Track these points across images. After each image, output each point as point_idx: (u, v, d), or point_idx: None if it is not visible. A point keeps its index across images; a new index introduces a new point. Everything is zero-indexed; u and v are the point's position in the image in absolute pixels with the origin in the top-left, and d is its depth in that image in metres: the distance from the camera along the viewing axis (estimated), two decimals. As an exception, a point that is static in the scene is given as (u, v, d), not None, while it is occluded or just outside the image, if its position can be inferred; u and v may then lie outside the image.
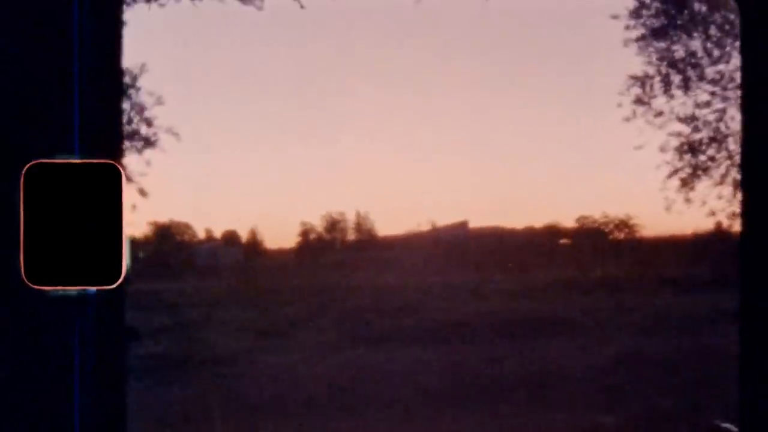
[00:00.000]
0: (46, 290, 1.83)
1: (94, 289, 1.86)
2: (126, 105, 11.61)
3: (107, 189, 1.84)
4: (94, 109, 1.95)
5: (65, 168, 1.81)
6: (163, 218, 14.16)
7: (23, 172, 1.79)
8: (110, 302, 2.08)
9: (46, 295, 1.95)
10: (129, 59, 11.21)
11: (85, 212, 1.84)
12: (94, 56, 1.98)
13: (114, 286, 1.84)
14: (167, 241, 14.01)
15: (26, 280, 1.82)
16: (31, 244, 1.86)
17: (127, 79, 11.43)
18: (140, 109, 11.53)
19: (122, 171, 1.83)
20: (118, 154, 2.09)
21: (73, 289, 1.84)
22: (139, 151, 11.54)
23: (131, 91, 11.49)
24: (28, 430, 1.99)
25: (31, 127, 1.93)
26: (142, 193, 11.29)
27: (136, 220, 11.76)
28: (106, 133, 2.02)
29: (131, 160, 11.32)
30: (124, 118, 11.67)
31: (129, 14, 11.05)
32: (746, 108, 2.20)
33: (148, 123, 11.58)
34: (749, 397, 2.34)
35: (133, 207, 11.33)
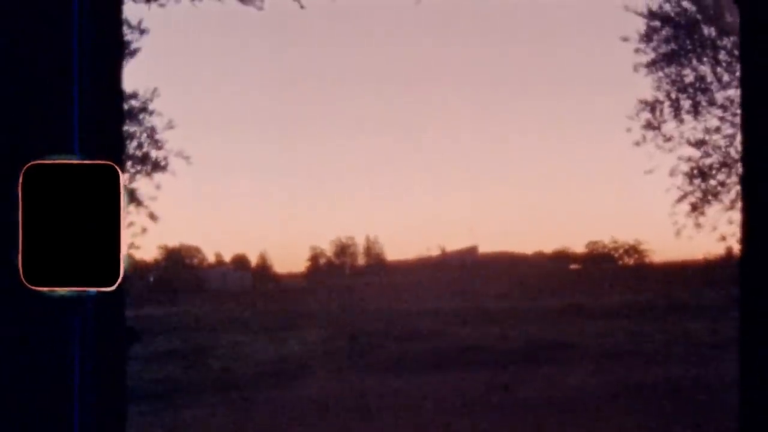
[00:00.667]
0: (44, 291, 1.80)
1: (93, 290, 1.83)
2: (137, 128, 11.62)
3: (106, 189, 1.82)
4: (94, 109, 1.94)
5: (64, 168, 1.79)
6: (173, 242, 14.17)
7: (22, 172, 1.78)
8: (110, 303, 2.05)
9: (46, 296, 1.93)
10: (140, 83, 11.28)
11: (84, 213, 1.82)
12: (94, 57, 1.96)
13: (113, 287, 1.82)
14: (177, 264, 14.00)
15: (25, 281, 1.80)
16: (30, 245, 1.84)
17: (137, 103, 11.46)
18: (151, 132, 11.53)
19: (121, 171, 1.81)
20: (117, 154, 2.08)
21: (71, 290, 1.82)
22: (149, 174, 11.53)
23: (143, 115, 11.51)
24: (28, 429, 1.96)
25: (31, 127, 1.91)
26: (152, 217, 11.25)
27: (146, 244, 11.77)
28: (106, 134, 2.01)
29: (142, 184, 11.33)
30: (135, 143, 11.70)
31: (142, 42, 11.09)
32: (746, 108, 2.17)
33: (159, 146, 11.57)
34: (749, 403, 2.30)
35: (143, 230, 11.33)
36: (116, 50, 2.06)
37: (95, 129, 1.97)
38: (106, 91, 2.04)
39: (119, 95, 2.08)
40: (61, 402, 1.98)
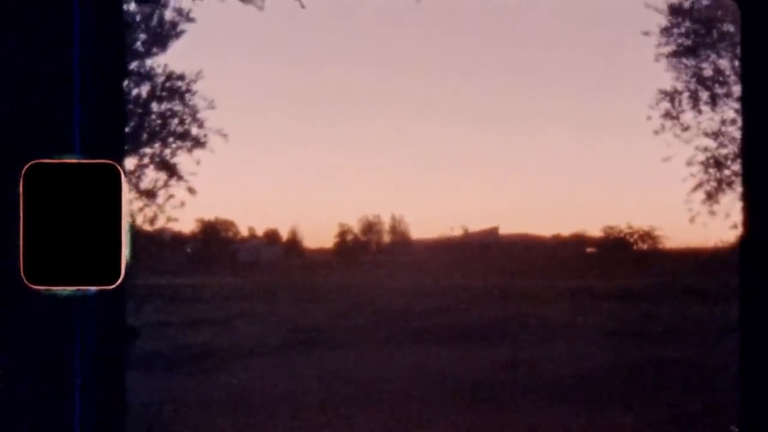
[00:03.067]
0: (45, 290, 1.72)
1: (94, 289, 1.75)
2: (179, 107, 11.63)
3: (107, 189, 1.73)
4: (95, 109, 1.86)
5: (65, 168, 1.71)
6: (210, 216, 14.17)
7: (23, 172, 1.69)
8: (110, 302, 1.98)
9: (46, 296, 1.85)
10: (186, 65, 11.27)
11: (84, 212, 1.74)
12: (96, 58, 1.88)
13: (114, 286, 1.74)
14: (212, 237, 14.00)
15: (26, 280, 1.72)
16: (31, 244, 1.76)
17: (182, 84, 11.46)
18: (193, 111, 11.55)
19: (122, 171, 1.72)
20: (118, 153, 2.00)
21: (73, 289, 1.74)
22: (190, 150, 11.54)
23: (187, 96, 11.52)
24: (28, 429, 1.89)
25: (31, 127, 1.84)
26: (191, 191, 11.27)
27: (184, 217, 11.76)
28: (106, 134, 1.92)
29: (182, 159, 11.34)
30: (176, 120, 11.68)
31: (187, 25, 11.09)
32: (746, 107, 2.08)
33: (200, 125, 11.58)
34: (750, 399, 2.21)
35: (182, 204, 11.34)
36: (117, 50, 1.98)
37: (96, 128, 1.89)
38: (107, 91, 1.96)
39: (120, 95, 2.00)
40: (61, 401, 1.91)
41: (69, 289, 1.78)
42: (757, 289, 2.15)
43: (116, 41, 1.94)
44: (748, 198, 2.12)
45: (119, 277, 1.78)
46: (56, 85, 1.89)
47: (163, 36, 11.25)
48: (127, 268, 1.81)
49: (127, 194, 1.77)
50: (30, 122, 1.88)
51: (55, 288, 1.76)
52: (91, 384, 1.91)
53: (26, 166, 1.68)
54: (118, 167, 1.71)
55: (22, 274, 1.71)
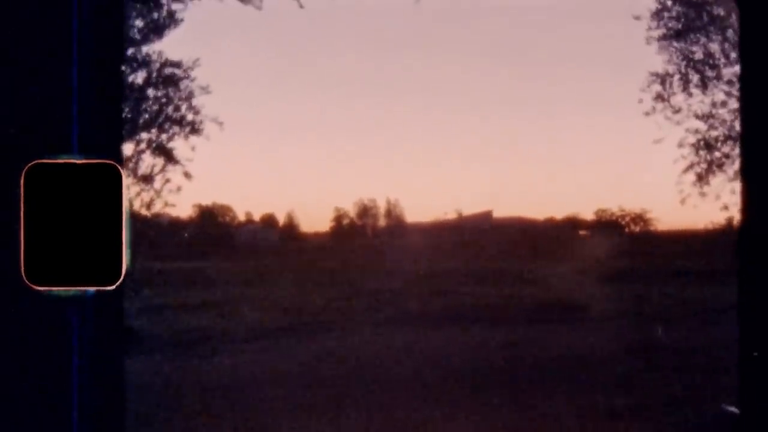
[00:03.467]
0: (45, 290, 1.70)
1: (93, 289, 1.73)
2: (173, 93, 11.59)
3: (107, 189, 1.71)
4: (95, 109, 1.83)
5: (65, 168, 1.68)
6: (207, 201, 14.14)
7: (23, 172, 1.67)
8: (110, 302, 1.96)
9: (46, 296, 1.83)
10: (183, 53, 11.22)
11: (85, 212, 1.71)
12: (95, 56, 1.86)
13: (114, 286, 1.72)
14: (210, 222, 13.98)
15: (26, 280, 1.70)
16: (32, 244, 1.74)
17: (179, 72, 11.43)
18: (188, 97, 11.53)
19: (122, 171, 1.70)
20: (118, 154, 1.97)
21: (73, 289, 1.72)
22: (186, 136, 11.53)
23: (183, 82, 11.49)
24: (28, 429, 1.88)
25: (31, 127, 1.81)
26: (187, 175, 11.27)
27: (181, 202, 11.72)
28: (106, 133, 1.90)
29: (178, 144, 11.32)
30: (172, 106, 11.65)
31: (187, 13, 11.07)
32: (746, 107, 2.06)
33: (195, 111, 11.56)
34: (749, 385, 2.20)
35: (179, 188, 11.33)
36: (117, 49, 1.94)
37: (96, 128, 1.86)
38: (106, 90, 1.93)
39: (120, 94, 1.97)
40: (60, 402, 1.89)
41: (69, 289, 1.76)
42: (755, 278, 2.14)
43: (116, 40, 1.91)
44: (746, 187, 2.10)
45: (119, 277, 1.76)
46: (55, 84, 1.86)
47: (160, 24, 11.21)
48: (127, 271, 1.79)
49: (127, 194, 1.75)
50: (29, 122, 1.85)
51: (55, 288, 1.74)
52: (90, 384, 1.89)
53: (27, 167, 1.65)
54: (119, 167, 1.69)
55: (22, 274, 1.69)
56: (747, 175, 2.10)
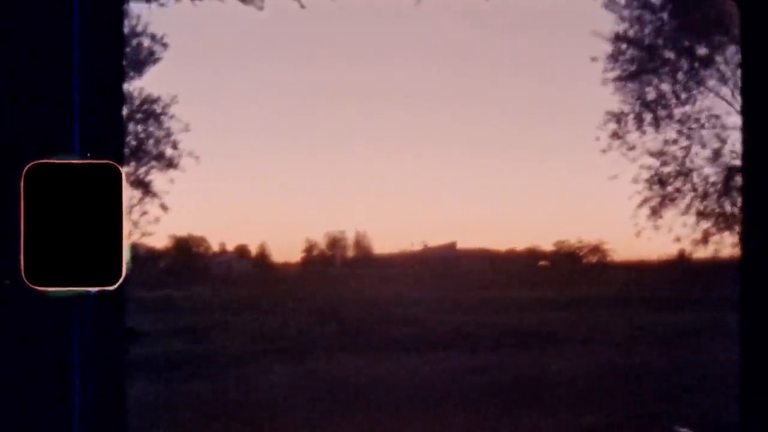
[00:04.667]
0: (45, 290, 1.62)
1: (94, 289, 1.64)
2: (155, 129, 11.56)
3: (107, 189, 1.63)
4: (95, 109, 1.76)
5: (65, 168, 1.61)
6: (182, 232, 14.03)
7: (24, 172, 1.59)
8: (110, 303, 1.87)
9: (46, 296, 1.74)
10: (161, 89, 11.18)
11: (85, 212, 1.63)
12: (95, 57, 1.79)
13: (114, 286, 1.63)
14: (185, 252, 13.86)
15: (26, 280, 1.61)
16: (32, 245, 1.65)
17: (158, 108, 11.40)
18: (167, 133, 11.52)
19: (122, 171, 1.62)
20: (118, 154, 1.90)
21: (73, 290, 1.63)
22: (164, 170, 11.49)
23: (163, 118, 11.46)
24: (28, 429, 1.78)
25: (31, 127, 1.73)
26: (164, 207, 11.22)
27: (158, 233, 11.61)
28: (106, 134, 1.83)
29: (156, 177, 11.27)
30: (152, 142, 11.58)
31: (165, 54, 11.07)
32: (746, 107, 2.02)
33: (174, 146, 11.55)
34: (749, 400, 2.14)
35: (156, 219, 11.25)
36: (117, 49, 1.88)
37: (96, 129, 1.79)
38: (106, 90, 1.86)
39: (120, 95, 1.90)
40: (61, 402, 1.80)
41: (69, 289, 1.68)
42: (755, 304, 2.08)
43: (116, 40, 1.84)
44: (747, 210, 2.05)
45: (120, 277, 1.68)
46: (56, 84, 1.79)
47: (140, 61, 11.19)
48: (127, 270, 1.71)
49: (127, 194, 1.67)
50: (30, 122, 1.77)
51: (55, 289, 1.66)
52: (91, 385, 1.81)
53: (27, 167, 1.58)
54: (119, 167, 1.61)
55: (22, 274, 1.61)
56: (749, 196, 2.06)
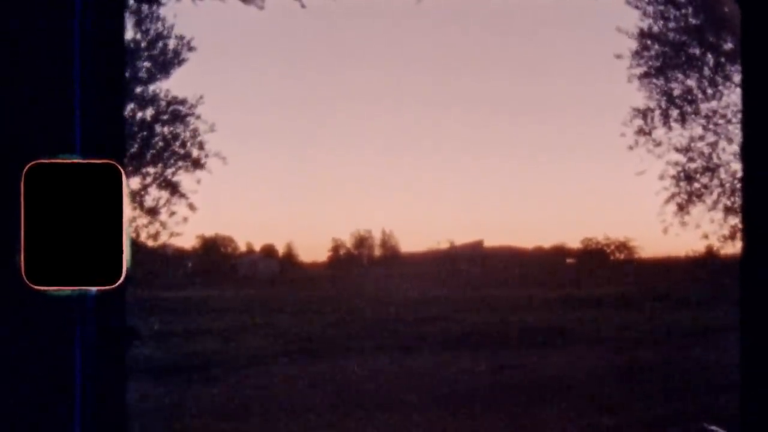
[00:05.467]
0: (46, 290, 1.62)
1: (94, 289, 1.64)
2: (181, 131, 11.62)
3: (108, 189, 1.63)
4: (96, 108, 1.77)
5: (66, 168, 1.61)
6: (210, 232, 14.10)
7: (24, 172, 1.59)
8: (110, 302, 1.88)
9: (46, 296, 1.75)
10: (188, 90, 11.25)
11: (85, 212, 1.63)
12: (96, 56, 1.79)
13: (114, 286, 1.63)
14: (212, 252, 13.92)
15: (26, 280, 1.61)
16: (32, 244, 1.65)
17: (184, 108, 11.46)
18: (194, 134, 11.57)
19: (123, 171, 1.62)
20: (119, 153, 1.90)
21: (73, 289, 1.63)
22: (191, 171, 11.54)
23: (188, 119, 11.51)
24: (30, 429, 1.79)
25: (32, 127, 1.74)
26: (192, 207, 11.27)
27: (186, 234, 11.66)
28: (107, 133, 1.83)
29: (183, 178, 11.32)
30: (178, 143, 11.64)
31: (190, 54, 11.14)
32: (746, 107, 1.99)
33: (200, 146, 11.60)
34: (750, 400, 2.10)
35: (185, 219, 11.31)
36: (118, 49, 1.88)
37: (97, 128, 1.79)
38: (107, 89, 1.86)
39: (121, 94, 1.90)
40: (61, 402, 1.81)
41: (69, 289, 1.68)
42: (756, 300, 2.05)
43: (118, 39, 1.85)
44: (747, 209, 2.02)
45: (120, 277, 1.68)
46: (57, 83, 1.79)
47: (166, 63, 11.25)
48: (128, 272, 1.71)
49: (128, 194, 1.67)
50: (30, 122, 1.78)
51: (56, 288, 1.66)
52: (91, 385, 1.81)
53: (27, 167, 1.58)
54: (119, 167, 1.61)
55: (23, 274, 1.61)
56: (749, 191, 2.03)
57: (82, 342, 1.80)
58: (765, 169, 1.94)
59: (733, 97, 11.26)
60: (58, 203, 1.64)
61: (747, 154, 2.03)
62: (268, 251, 14.51)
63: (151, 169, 11.40)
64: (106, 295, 1.81)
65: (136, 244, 10.30)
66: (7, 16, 1.74)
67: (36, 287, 1.64)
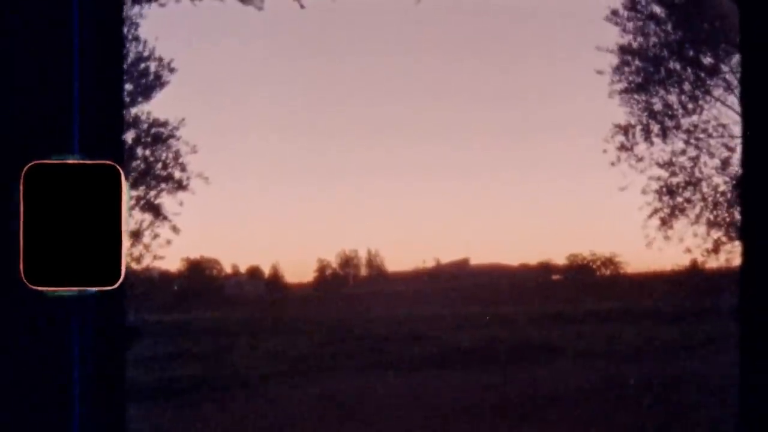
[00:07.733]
0: (45, 290, 1.62)
1: (93, 289, 1.64)
2: (164, 152, 11.60)
3: (107, 189, 1.64)
4: (95, 109, 1.77)
5: (65, 168, 1.61)
6: (194, 254, 14.05)
7: (23, 172, 1.59)
8: (110, 302, 1.87)
9: (46, 296, 1.74)
10: (169, 113, 11.25)
11: (84, 212, 1.64)
12: (95, 57, 1.80)
13: (114, 286, 1.63)
14: (198, 274, 13.88)
15: (26, 281, 1.61)
16: (31, 245, 1.65)
17: (165, 131, 11.44)
18: (176, 155, 11.55)
19: (122, 171, 1.63)
20: (118, 154, 1.91)
21: (72, 290, 1.63)
22: (173, 192, 11.51)
23: (170, 141, 11.50)
24: (29, 429, 1.78)
25: (31, 127, 1.74)
26: (175, 229, 11.23)
27: (170, 256, 11.63)
28: (106, 134, 1.83)
29: (166, 200, 11.28)
30: (160, 165, 11.62)
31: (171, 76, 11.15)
32: (746, 107, 2.00)
33: (182, 168, 11.57)
34: (749, 406, 2.11)
35: (168, 242, 11.26)
36: (117, 50, 1.89)
37: (96, 129, 1.80)
38: (107, 90, 1.87)
39: (120, 95, 1.91)
40: (60, 402, 1.80)
41: (69, 289, 1.68)
42: (754, 314, 2.06)
43: (116, 39, 1.85)
44: (746, 212, 2.03)
45: (119, 277, 1.68)
46: (56, 84, 1.80)
47: (147, 86, 11.25)
48: (126, 268, 1.71)
49: (127, 195, 1.67)
50: (29, 122, 1.78)
51: (55, 289, 1.66)
52: (90, 385, 1.80)
53: (26, 167, 1.58)
54: (119, 168, 1.62)
55: (22, 274, 1.61)
56: (749, 177, 2.04)
57: (81, 342, 1.80)
58: (765, 170, 1.95)
59: (713, 111, 11.36)
60: (57, 204, 1.64)
61: (747, 154, 2.04)
62: (254, 272, 14.49)
63: (133, 192, 11.37)
64: (106, 295, 1.81)
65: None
66: (6, 16, 1.75)
67: (35, 287, 1.64)
